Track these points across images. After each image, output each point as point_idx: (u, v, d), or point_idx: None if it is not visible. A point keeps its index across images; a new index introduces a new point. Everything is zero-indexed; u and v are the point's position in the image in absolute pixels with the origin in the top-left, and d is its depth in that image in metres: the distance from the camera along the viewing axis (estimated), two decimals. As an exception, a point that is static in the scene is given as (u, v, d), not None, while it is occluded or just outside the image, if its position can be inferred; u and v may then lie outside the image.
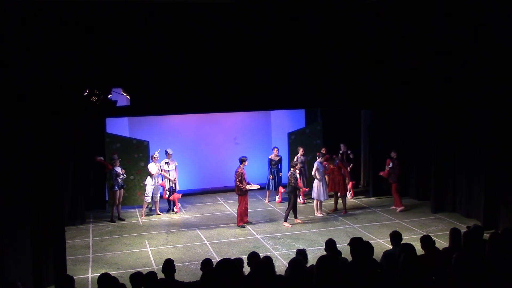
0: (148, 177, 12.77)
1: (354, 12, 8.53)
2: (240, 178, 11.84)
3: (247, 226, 11.91)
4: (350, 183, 14.21)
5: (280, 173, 14.02)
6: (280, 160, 14.08)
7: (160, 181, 13.02)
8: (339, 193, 12.95)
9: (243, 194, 11.94)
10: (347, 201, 13.28)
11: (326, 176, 12.98)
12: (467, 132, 11.95)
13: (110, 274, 6.33)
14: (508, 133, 10.53)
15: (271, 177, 13.86)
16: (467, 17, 9.18)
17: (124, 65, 8.02)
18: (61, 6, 7.40)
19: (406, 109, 14.02)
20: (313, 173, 12.84)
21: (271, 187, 13.95)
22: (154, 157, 12.79)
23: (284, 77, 8.79)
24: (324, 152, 13.52)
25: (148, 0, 7.74)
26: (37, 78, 7.77)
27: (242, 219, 11.99)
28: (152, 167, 12.75)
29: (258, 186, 12.54)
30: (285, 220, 11.98)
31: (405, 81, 9.37)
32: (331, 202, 13.85)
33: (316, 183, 12.70)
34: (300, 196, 13.87)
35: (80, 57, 7.76)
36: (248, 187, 11.95)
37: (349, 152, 14.16)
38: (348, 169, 14.04)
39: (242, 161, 12.05)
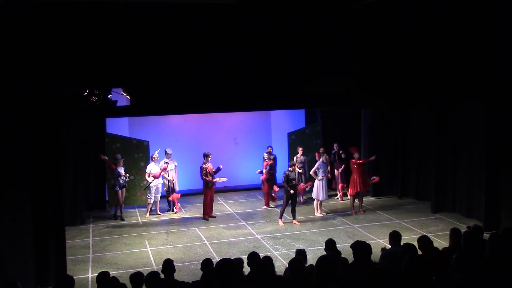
0: (151, 178, 12.74)
1: (354, 12, 8.54)
2: (205, 172, 12.32)
3: (247, 225, 11.93)
4: (340, 185, 14.20)
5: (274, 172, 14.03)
6: (274, 159, 14.09)
7: (161, 180, 13.00)
8: (360, 191, 12.82)
9: (208, 187, 12.42)
10: (339, 202, 13.47)
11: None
12: (467, 131, 11.95)
13: (108, 273, 6.36)
14: (508, 132, 10.52)
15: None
16: (467, 17, 9.19)
17: (124, 65, 8.02)
18: (61, 6, 7.40)
19: (406, 109, 14.02)
20: (311, 172, 12.86)
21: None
22: (154, 157, 12.79)
23: (284, 77, 8.79)
24: (323, 151, 13.48)
25: (148, 0, 7.74)
26: (37, 78, 7.77)
27: (207, 212, 12.52)
28: (153, 167, 12.75)
29: (226, 179, 12.92)
30: (280, 218, 12.07)
31: (405, 81, 9.37)
32: (331, 202, 13.91)
33: (316, 182, 12.70)
34: (301, 196, 13.88)
35: (80, 57, 7.76)
36: (215, 180, 12.46)
37: (341, 152, 14.10)
38: (340, 170, 14.04)
39: (206, 156, 12.45)
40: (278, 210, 12.58)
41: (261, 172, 13.54)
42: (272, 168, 13.53)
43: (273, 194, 14.17)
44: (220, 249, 10.35)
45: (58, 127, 8.92)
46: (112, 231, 11.77)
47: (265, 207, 13.57)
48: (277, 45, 8.48)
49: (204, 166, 12.41)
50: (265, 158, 13.58)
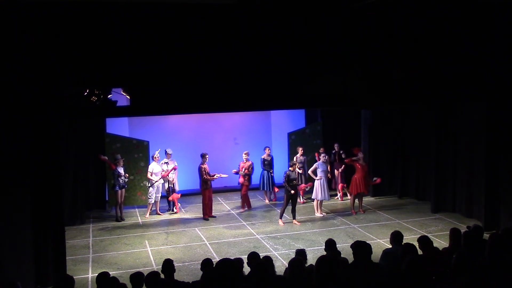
0: (154, 176, 12.74)
1: (354, 12, 8.53)
2: (204, 172, 12.43)
3: (247, 225, 11.93)
4: (340, 185, 14.19)
5: (272, 173, 13.99)
6: (271, 160, 14.08)
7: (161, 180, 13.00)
8: (361, 192, 12.80)
9: (207, 188, 12.52)
10: (339, 202, 13.52)
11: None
12: (467, 131, 11.95)
13: (108, 273, 6.35)
14: (508, 132, 10.52)
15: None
16: (466, 17, 9.18)
17: (124, 65, 8.02)
18: (61, 6, 7.40)
19: (406, 109, 14.03)
20: (309, 172, 12.86)
21: (265, 187, 13.98)
22: (155, 157, 12.81)
23: (284, 77, 8.79)
24: (323, 151, 13.45)
25: (148, 0, 7.74)
26: (37, 78, 7.77)
27: (206, 212, 12.59)
28: (155, 167, 12.76)
29: (226, 175, 13.09)
30: (280, 218, 12.07)
31: (405, 81, 9.36)
32: (331, 202, 13.90)
33: (316, 182, 12.70)
34: (301, 196, 13.87)
35: (80, 57, 7.76)
36: (216, 176, 12.61)
37: (341, 152, 14.09)
38: (340, 170, 14.02)
39: (203, 156, 12.57)
40: (278, 210, 12.58)
41: (237, 173, 13.42)
42: (250, 171, 13.36)
43: (272, 198, 14.19)
44: (220, 249, 10.35)
45: (58, 127, 8.91)
46: (112, 231, 11.77)
47: (242, 210, 13.39)
48: (277, 45, 8.48)
49: (202, 166, 12.47)
50: (243, 159, 13.41)
